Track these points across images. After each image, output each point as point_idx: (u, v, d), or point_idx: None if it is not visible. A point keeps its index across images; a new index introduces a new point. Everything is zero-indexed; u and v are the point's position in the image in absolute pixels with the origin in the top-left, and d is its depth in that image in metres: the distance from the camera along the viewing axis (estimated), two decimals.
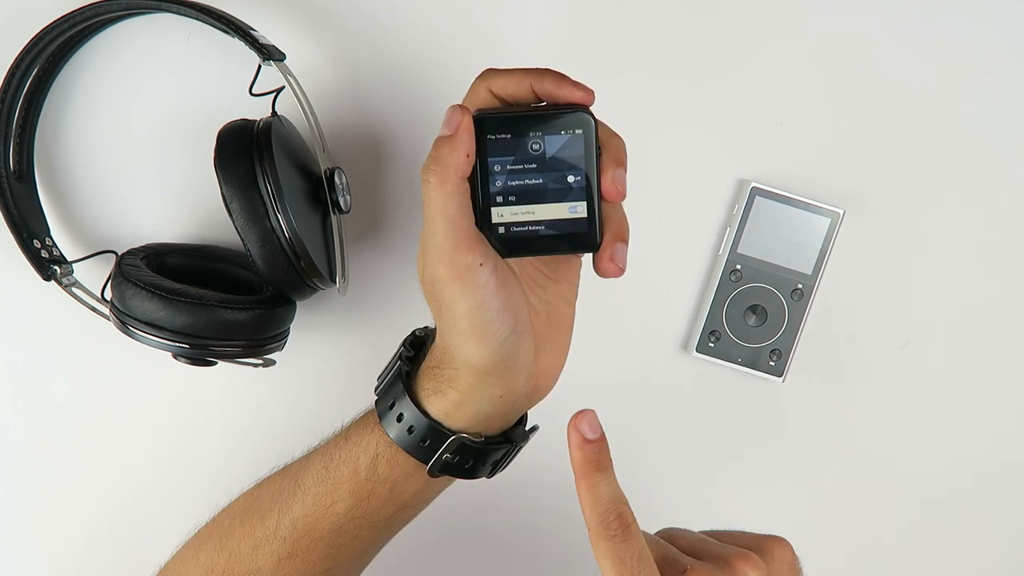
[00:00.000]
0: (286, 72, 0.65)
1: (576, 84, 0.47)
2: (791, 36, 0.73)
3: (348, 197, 0.68)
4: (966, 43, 0.73)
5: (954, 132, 0.74)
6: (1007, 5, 0.73)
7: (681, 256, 0.75)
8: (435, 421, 0.51)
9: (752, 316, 0.74)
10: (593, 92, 0.47)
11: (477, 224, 0.47)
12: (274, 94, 0.65)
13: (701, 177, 0.74)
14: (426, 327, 0.56)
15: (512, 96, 0.48)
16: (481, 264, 0.46)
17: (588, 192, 0.47)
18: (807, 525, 0.77)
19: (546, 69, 0.47)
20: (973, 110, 0.74)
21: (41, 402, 0.74)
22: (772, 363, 0.74)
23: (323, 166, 0.66)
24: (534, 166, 0.47)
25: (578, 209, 0.47)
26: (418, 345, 0.54)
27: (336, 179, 0.66)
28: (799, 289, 0.74)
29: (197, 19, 0.65)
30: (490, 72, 0.48)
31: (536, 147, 0.46)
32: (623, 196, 0.47)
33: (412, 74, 0.72)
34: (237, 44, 0.64)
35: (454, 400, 0.50)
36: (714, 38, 0.73)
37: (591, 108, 0.47)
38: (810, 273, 0.73)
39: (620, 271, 0.48)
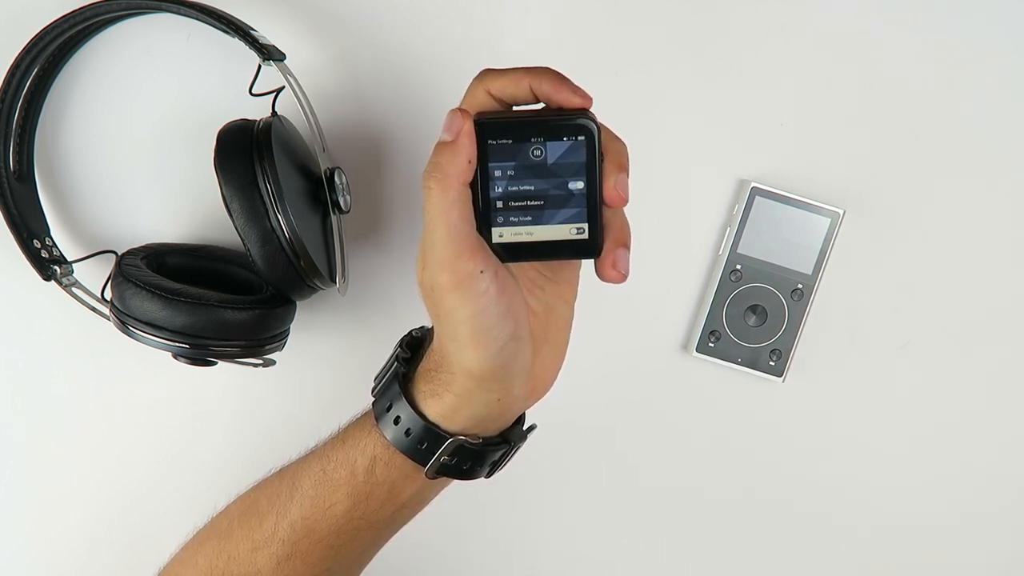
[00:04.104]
0: (286, 72, 0.65)
1: (574, 89, 0.46)
2: (791, 36, 0.73)
3: (348, 197, 0.68)
4: (966, 43, 0.73)
5: (954, 132, 0.74)
6: (1007, 5, 0.73)
7: (681, 256, 0.75)
8: (432, 424, 0.51)
9: (752, 316, 0.74)
10: (591, 98, 0.46)
11: (477, 229, 0.47)
12: (274, 94, 0.65)
13: (701, 177, 0.74)
14: (422, 327, 0.55)
15: (511, 97, 0.47)
16: (482, 271, 0.46)
17: (590, 198, 0.46)
18: (807, 525, 0.77)
19: (545, 69, 0.46)
20: (973, 110, 0.74)
21: (41, 402, 0.74)
22: (772, 363, 0.74)
23: (323, 166, 0.66)
24: (535, 171, 0.46)
25: (580, 215, 0.47)
26: (415, 346, 0.54)
27: (336, 179, 0.66)
28: (799, 289, 0.73)
29: (197, 19, 0.65)
30: (488, 73, 0.47)
31: (538, 153, 0.46)
32: (625, 202, 0.47)
33: (412, 74, 0.72)
34: (237, 44, 0.64)
35: (451, 403, 0.50)
36: (714, 38, 0.73)
37: (593, 113, 0.46)
38: (810, 273, 0.73)
39: (623, 277, 0.47)
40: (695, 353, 0.74)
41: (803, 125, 0.74)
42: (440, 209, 0.45)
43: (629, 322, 0.75)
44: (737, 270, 0.73)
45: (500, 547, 0.77)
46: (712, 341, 0.74)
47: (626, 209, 0.48)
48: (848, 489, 0.77)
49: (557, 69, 0.47)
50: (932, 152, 0.74)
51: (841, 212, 0.72)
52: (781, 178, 0.73)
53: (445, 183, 0.45)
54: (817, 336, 0.75)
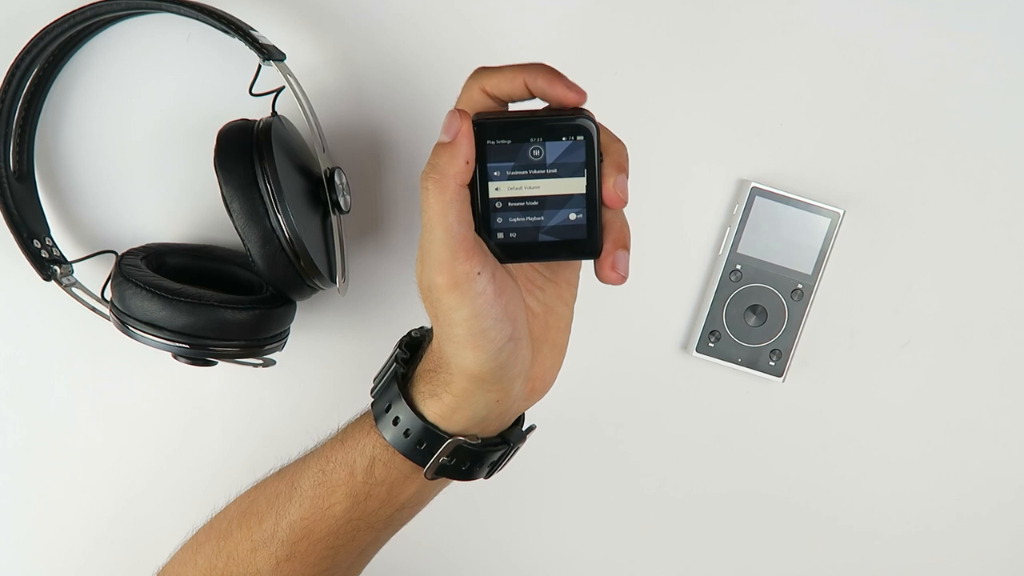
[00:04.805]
0: (286, 72, 0.65)
1: (568, 84, 0.45)
2: (791, 36, 0.73)
3: (348, 197, 0.68)
4: (966, 43, 0.73)
5: (954, 132, 0.74)
6: (1007, 5, 0.73)
7: (681, 256, 0.75)
8: (431, 424, 0.50)
9: (752, 316, 0.74)
10: (585, 93, 0.46)
11: (476, 229, 0.47)
12: (274, 94, 0.65)
13: (701, 177, 0.74)
14: (422, 327, 0.55)
15: (507, 94, 0.46)
16: (479, 273, 0.46)
17: (589, 199, 0.46)
18: (807, 524, 0.77)
19: (539, 65, 0.46)
20: (973, 110, 0.74)
21: (41, 402, 0.74)
22: (772, 363, 0.74)
23: (323, 166, 0.66)
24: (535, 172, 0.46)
25: (579, 216, 0.47)
26: (414, 346, 0.54)
27: (336, 179, 0.66)
28: (799, 289, 0.73)
29: (197, 19, 0.65)
30: (482, 71, 0.47)
31: (537, 153, 0.46)
32: (625, 203, 0.46)
33: (412, 74, 0.72)
34: (237, 44, 0.64)
35: (449, 404, 0.50)
36: (714, 38, 0.73)
37: (592, 113, 0.46)
38: (810, 273, 0.73)
39: (622, 279, 0.47)
40: (695, 353, 0.74)
41: (803, 125, 0.74)
42: (438, 210, 0.45)
43: (629, 322, 0.75)
44: (737, 270, 0.73)
45: (500, 547, 0.77)
46: (712, 341, 0.74)
47: (626, 209, 0.48)
48: (848, 489, 0.77)
49: (551, 64, 0.46)
50: (932, 152, 0.74)
51: (841, 212, 0.72)
52: (781, 178, 0.73)
53: (443, 184, 0.45)
54: (817, 336, 0.75)
